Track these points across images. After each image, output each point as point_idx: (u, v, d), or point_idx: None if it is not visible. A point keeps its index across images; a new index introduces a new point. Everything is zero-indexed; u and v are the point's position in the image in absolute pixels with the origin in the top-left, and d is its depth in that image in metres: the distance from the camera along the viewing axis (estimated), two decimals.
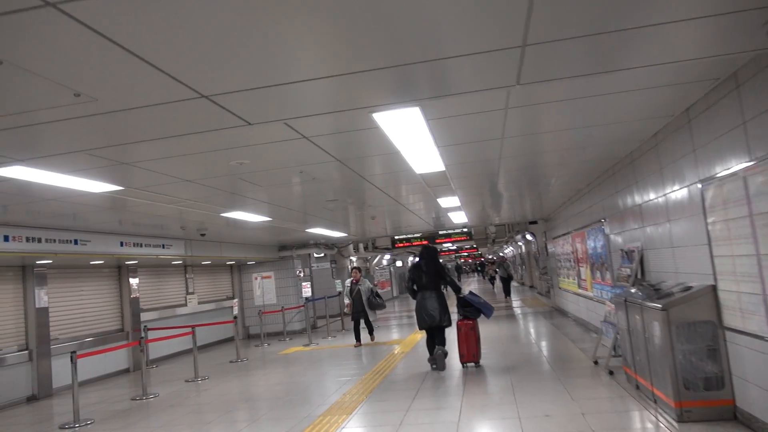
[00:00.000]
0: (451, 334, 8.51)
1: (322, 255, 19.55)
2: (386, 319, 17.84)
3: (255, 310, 15.21)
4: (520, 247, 30.93)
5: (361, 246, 21.26)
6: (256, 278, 15.82)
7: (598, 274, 9.11)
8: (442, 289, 8.28)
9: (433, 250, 8.58)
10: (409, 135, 4.70)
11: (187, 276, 14.01)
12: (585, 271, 10.24)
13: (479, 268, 57.52)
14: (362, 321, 11.83)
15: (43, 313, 9.31)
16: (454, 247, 32.89)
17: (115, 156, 4.43)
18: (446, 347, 8.13)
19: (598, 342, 7.37)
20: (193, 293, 14.12)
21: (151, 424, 6.55)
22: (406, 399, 6.42)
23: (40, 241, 7.67)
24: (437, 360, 7.89)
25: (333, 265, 20.09)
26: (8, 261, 8.06)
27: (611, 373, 6.50)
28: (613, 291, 7.12)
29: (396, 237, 19.75)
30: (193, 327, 9.63)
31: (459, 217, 13.38)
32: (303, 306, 14.61)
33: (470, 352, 7.92)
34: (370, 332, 12.06)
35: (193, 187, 6.00)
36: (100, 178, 5.10)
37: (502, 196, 10.03)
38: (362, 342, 11.70)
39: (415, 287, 8.27)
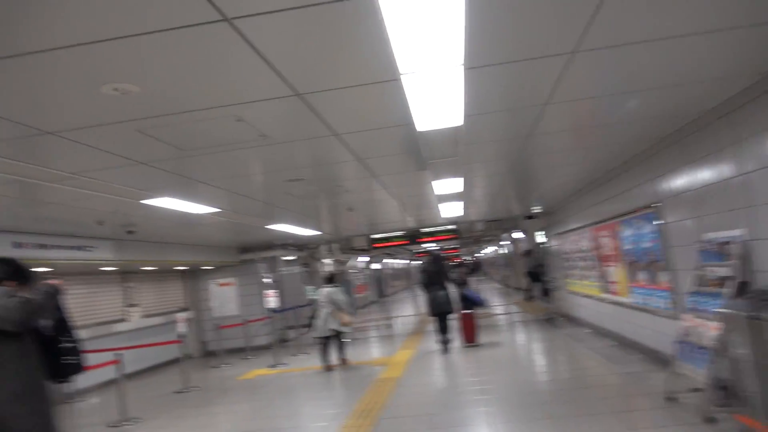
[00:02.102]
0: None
1: (293, 258, 17.31)
2: (364, 329, 15.63)
3: (215, 323, 12.89)
4: (504, 247, 29.11)
5: (335, 247, 19.04)
6: (214, 286, 13.48)
7: (642, 276, 7.10)
8: (446, 286, 9.96)
9: (440, 257, 10.71)
10: (428, 35, 2.55)
11: (126, 285, 11.63)
12: (616, 272, 8.23)
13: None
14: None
15: None
16: (436, 248, 30.85)
17: None
18: (450, 335, 9.87)
19: (672, 372, 5.29)
20: (135, 305, 11.74)
21: None
22: None
23: None
24: (446, 345, 9.69)
25: (305, 270, 17.85)
26: None
27: (712, 419, 4.44)
28: (702, 302, 5.04)
29: (373, 236, 17.57)
30: (120, 353, 7.31)
31: (451, 210, 11.28)
32: (269, 318, 12.33)
33: (471, 336, 9.93)
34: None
35: (62, 146, 3.74)
36: None
37: (516, 179, 7.97)
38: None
39: (425, 284, 10.07)
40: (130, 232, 7.84)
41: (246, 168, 5.17)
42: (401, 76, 3.14)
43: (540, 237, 17.57)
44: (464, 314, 9.86)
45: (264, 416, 6.68)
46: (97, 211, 6.47)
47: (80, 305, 10.28)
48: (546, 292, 17.36)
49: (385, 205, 9.44)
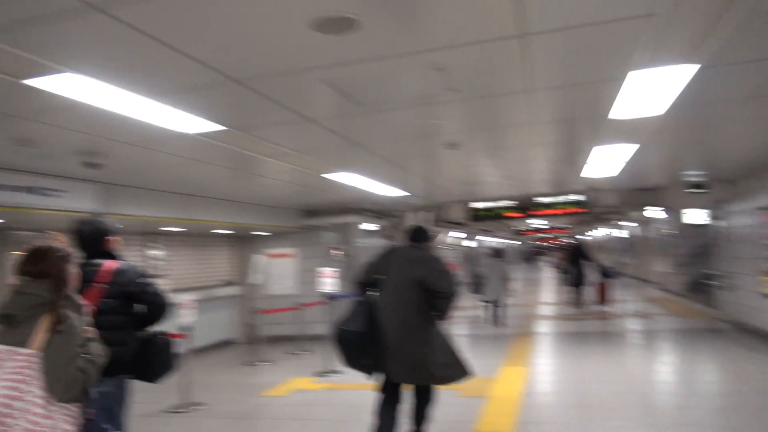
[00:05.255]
0: None
1: (375, 228, 14.11)
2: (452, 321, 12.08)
3: (275, 301, 10.11)
4: (629, 228, 24.37)
5: (427, 217, 15.70)
6: (259, 258, 10.65)
7: None
8: (581, 266, 12.96)
9: (581, 243, 15.15)
10: None
11: (149, 249, 9.01)
12: None
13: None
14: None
15: None
16: (545, 225, 26.68)
17: None
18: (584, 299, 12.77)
19: None
20: (161, 277, 9.12)
21: None
22: None
23: None
24: (579, 304, 13.09)
25: (391, 243, 14.66)
26: None
27: None
28: None
29: (476, 206, 13.95)
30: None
31: (604, 165, 7.51)
32: (327, 303, 9.21)
33: (603, 298, 12.54)
34: None
35: None
36: None
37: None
38: None
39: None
40: (92, 165, 4.91)
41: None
42: None
43: (696, 216, 13.27)
44: (600, 282, 12.40)
45: None
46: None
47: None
48: (700, 288, 13.04)
49: (514, 146, 5.95)
